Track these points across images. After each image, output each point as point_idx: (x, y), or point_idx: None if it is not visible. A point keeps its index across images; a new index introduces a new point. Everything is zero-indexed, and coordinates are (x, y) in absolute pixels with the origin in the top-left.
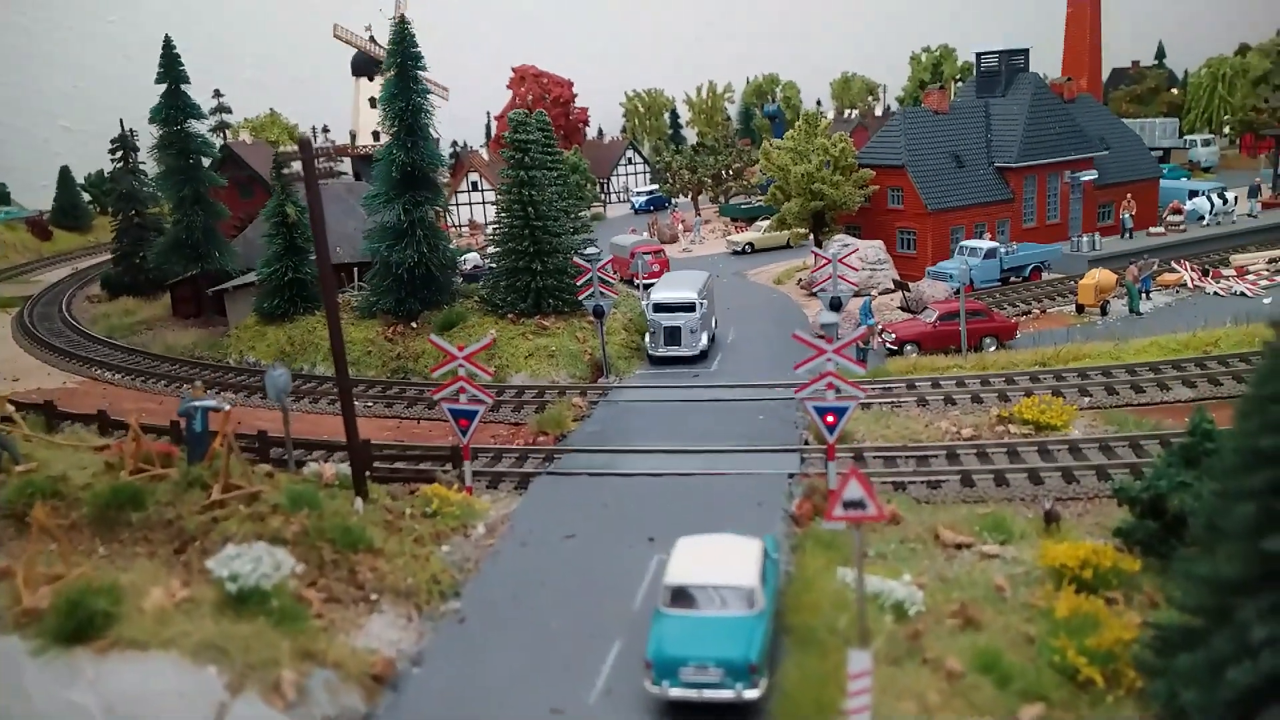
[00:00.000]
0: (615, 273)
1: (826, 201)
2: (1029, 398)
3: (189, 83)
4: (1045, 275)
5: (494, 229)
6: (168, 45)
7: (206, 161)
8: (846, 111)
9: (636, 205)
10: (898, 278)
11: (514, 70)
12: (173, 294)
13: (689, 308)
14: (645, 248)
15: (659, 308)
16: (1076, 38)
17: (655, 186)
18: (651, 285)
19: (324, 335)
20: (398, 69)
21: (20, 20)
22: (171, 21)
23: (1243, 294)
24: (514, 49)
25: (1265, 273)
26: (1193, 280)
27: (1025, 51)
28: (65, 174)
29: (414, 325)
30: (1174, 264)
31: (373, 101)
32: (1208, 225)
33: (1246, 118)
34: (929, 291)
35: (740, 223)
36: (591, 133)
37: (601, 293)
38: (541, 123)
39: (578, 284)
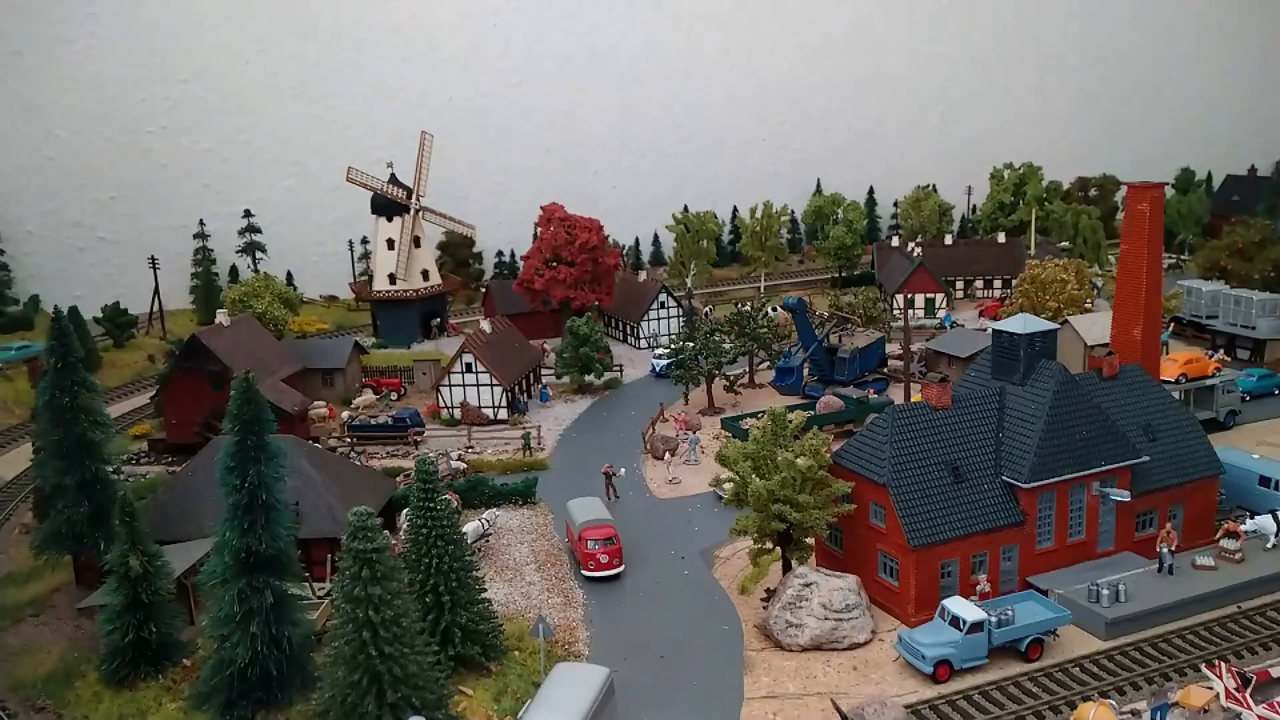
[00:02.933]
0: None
1: (790, 522)
2: None
3: (81, 355)
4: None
5: (326, 650)
6: (58, 319)
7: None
8: (911, 245)
9: (657, 369)
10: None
11: (541, 209)
12: (75, 561)
13: None
14: (595, 530)
15: None
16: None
17: (687, 343)
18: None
19: None
20: (238, 430)
21: (60, 134)
22: (202, 135)
23: None
24: (560, 166)
25: None
26: (1227, 697)
27: (1052, 333)
28: (74, 313)
29: None
30: (1205, 669)
31: (390, 243)
32: (1273, 547)
33: None
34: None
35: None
36: (630, 241)
37: None
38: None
39: None
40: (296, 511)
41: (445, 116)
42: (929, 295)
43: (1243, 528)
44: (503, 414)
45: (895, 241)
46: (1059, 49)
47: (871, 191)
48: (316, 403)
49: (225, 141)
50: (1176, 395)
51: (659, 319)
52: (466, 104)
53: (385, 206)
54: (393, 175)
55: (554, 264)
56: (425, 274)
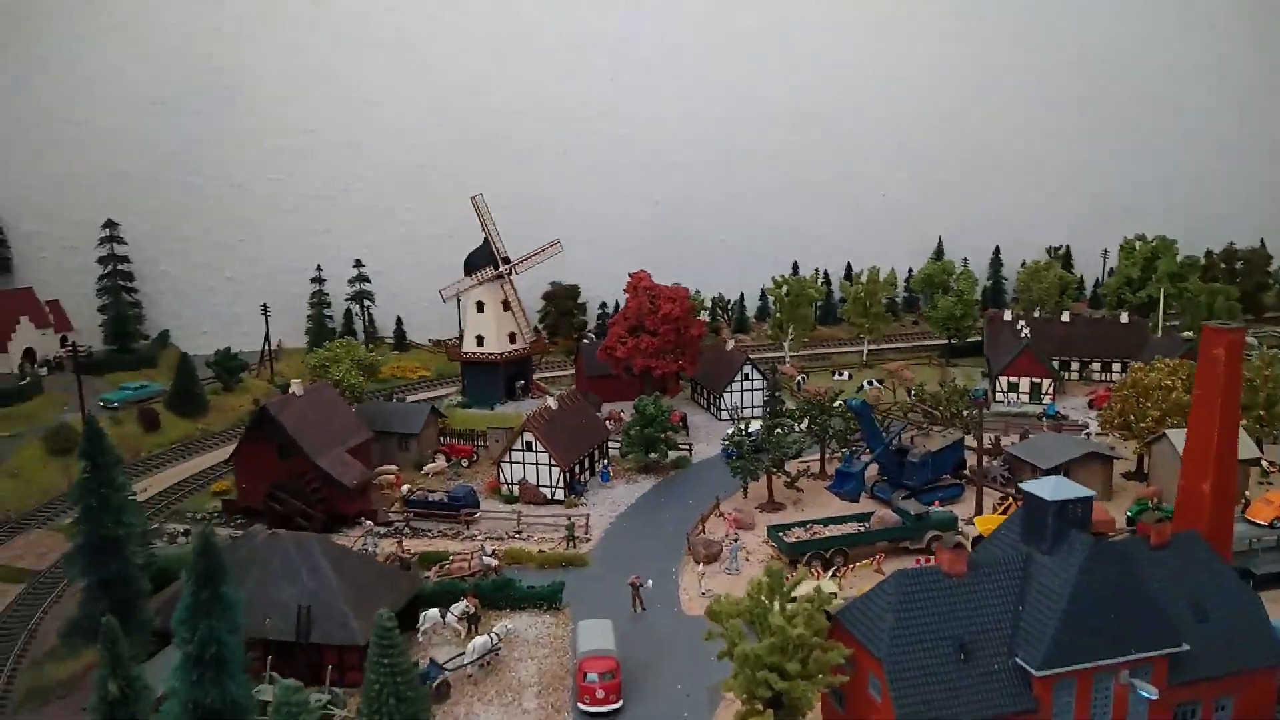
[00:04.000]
0: None
1: (778, 691)
2: None
3: (120, 463)
4: None
5: None
6: (91, 426)
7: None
8: (1021, 322)
9: (728, 453)
10: None
11: (629, 277)
12: None
13: None
14: (596, 662)
15: None
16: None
17: (746, 433)
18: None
19: None
20: (194, 582)
21: (194, 180)
22: (323, 183)
23: None
24: (670, 218)
25: None
26: None
27: (1086, 501)
28: (184, 360)
29: None
30: None
31: (480, 306)
32: None
33: None
34: None
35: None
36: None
37: None
38: None
39: None
40: (308, 615)
41: (557, 167)
42: (1035, 380)
43: None
44: (560, 494)
45: (1009, 314)
46: (1209, 103)
47: (997, 252)
48: (388, 467)
49: (345, 189)
50: (1273, 541)
51: (742, 390)
52: (580, 155)
53: (477, 264)
54: (484, 243)
55: (637, 332)
56: (512, 337)
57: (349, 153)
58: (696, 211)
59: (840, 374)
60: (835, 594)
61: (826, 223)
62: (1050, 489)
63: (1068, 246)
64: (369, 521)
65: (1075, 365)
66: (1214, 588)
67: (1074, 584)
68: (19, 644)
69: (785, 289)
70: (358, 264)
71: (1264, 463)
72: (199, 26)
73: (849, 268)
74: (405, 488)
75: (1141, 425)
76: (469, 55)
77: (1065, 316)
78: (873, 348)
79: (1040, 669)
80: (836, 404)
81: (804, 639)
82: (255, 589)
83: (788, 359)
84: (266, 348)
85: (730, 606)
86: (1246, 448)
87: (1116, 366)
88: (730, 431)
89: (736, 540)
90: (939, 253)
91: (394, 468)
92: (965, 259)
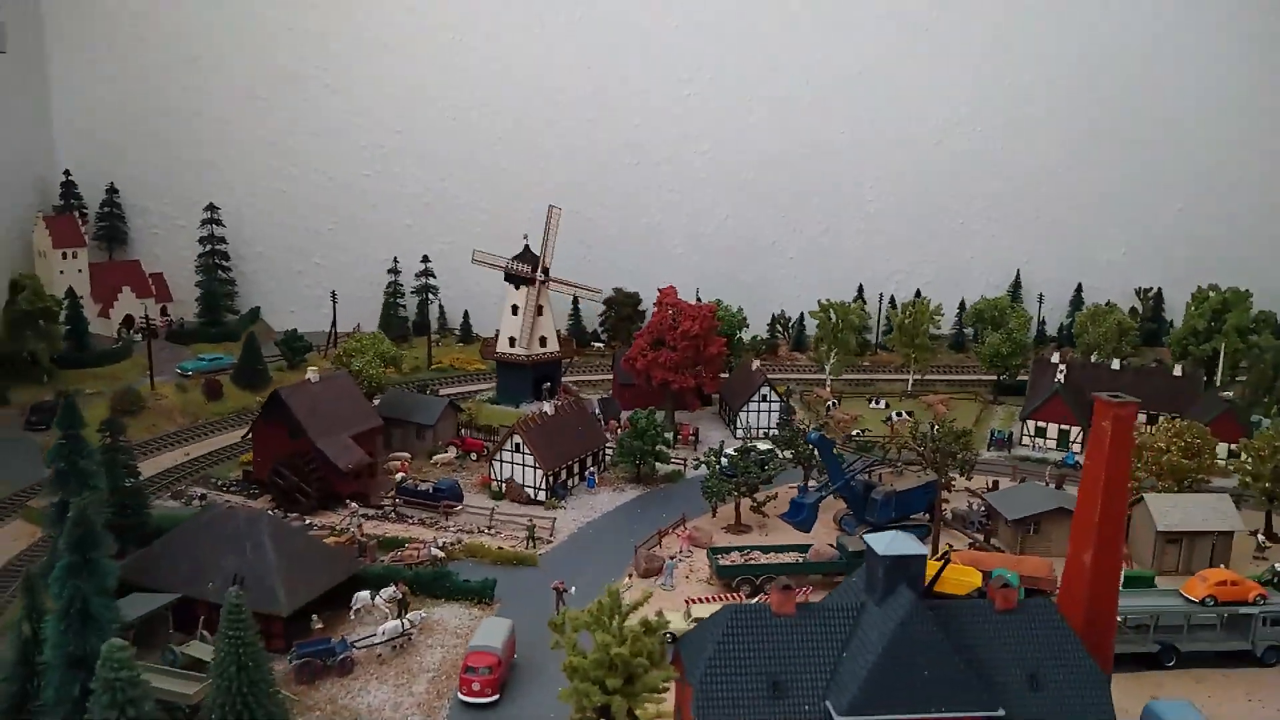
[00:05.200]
0: None
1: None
2: None
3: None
4: None
5: None
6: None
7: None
8: (1061, 365)
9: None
10: None
11: (659, 292)
12: None
13: None
14: (479, 657)
15: None
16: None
17: (717, 458)
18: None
19: None
20: (69, 549)
21: (292, 171)
22: (407, 181)
23: None
24: (738, 232)
25: None
26: None
27: (918, 559)
28: (251, 338)
29: None
30: None
31: (515, 309)
32: None
33: None
34: None
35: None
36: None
37: None
38: None
39: None
40: (242, 583)
41: (630, 175)
42: (1063, 426)
43: None
44: (543, 495)
45: (1056, 357)
46: None
47: (1079, 290)
48: (400, 454)
49: (428, 188)
50: (1212, 619)
51: (758, 411)
52: (652, 166)
53: (516, 275)
54: (526, 248)
55: (659, 346)
56: (543, 341)
57: (433, 155)
58: (764, 228)
59: (876, 402)
60: (668, 623)
61: (897, 250)
62: (885, 544)
63: (1159, 290)
64: (354, 504)
65: None
66: (1054, 659)
67: (890, 637)
68: None
69: (830, 313)
70: (424, 259)
71: (1259, 536)
72: (302, 30)
73: (917, 292)
74: (399, 475)
75: (1131, 485)
76: (554, 69)
77: (1115, 364)
78: (926, 378)
79: (843, 714)
80: (855, 434)
81: (622, 657)
82: (205, 555)
83: (828, 383)
84: (333, 331)
85: (574, 620)
86: (1228, 519)
87: (1162, 419)
88: (705, 452)
89: (673, 558)
90: (1015, 287)
91: (406, 455)
92: (1040, 295)
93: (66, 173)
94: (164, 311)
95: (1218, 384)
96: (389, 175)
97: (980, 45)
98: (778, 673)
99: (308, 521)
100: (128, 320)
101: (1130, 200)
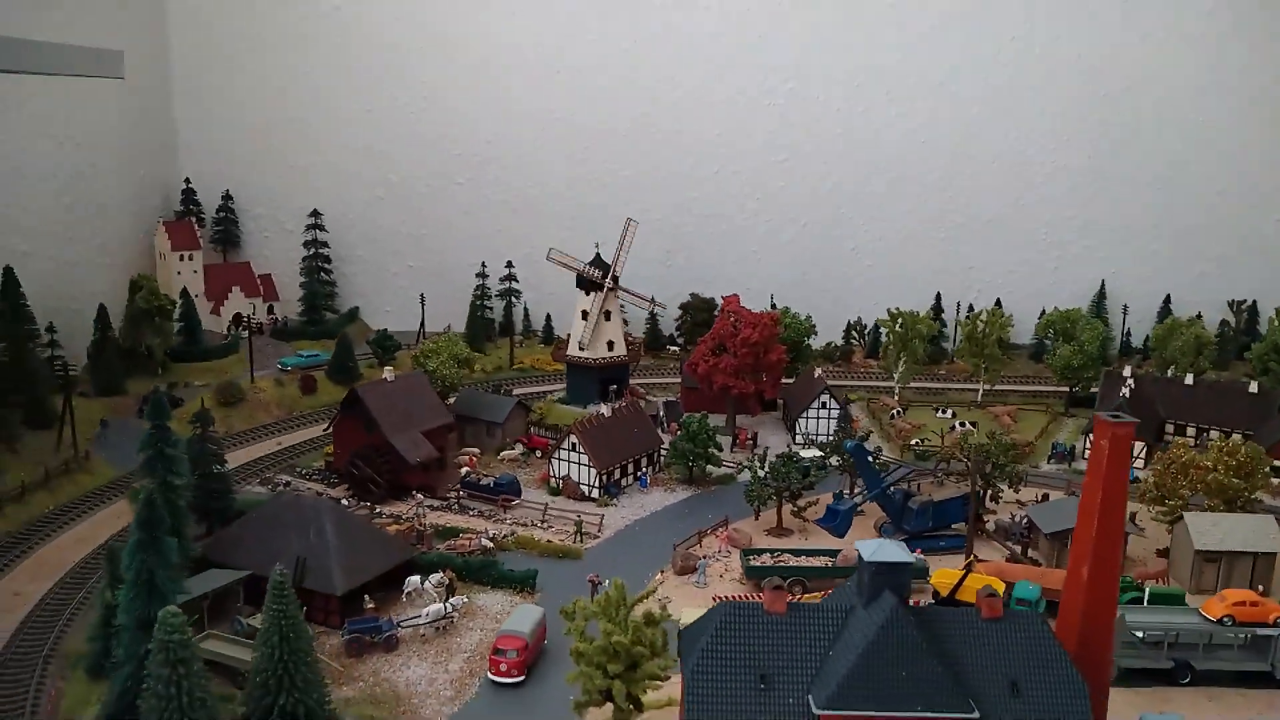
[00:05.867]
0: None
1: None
2: None
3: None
4: None
5: None
6: (150, 497)
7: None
8: (1128, 379)
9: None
10: None
11: (723, 300)
12: None
13: None
14: (509, 640)
15: None
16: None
17: (757, 465)
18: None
19: None
20: (139, 530)
21: (391, 178)
22: (498, 188)
23: None
24: (817, 238)
25: None
26: None
27: (902, 567)
28: (343, 337)
29: None
30: None
31: (584, 314)
32: None
33: None
34: None
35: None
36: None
37: None
38: None
39: None
40: (304, 565)
41: (709, 186)
42: None
43: None
44: (596, 493)
45: (1127, 371)
46: None
47: (1167, 301)
48: (470, 449)
49: (517, 194)
50: (1230, 639)
51: (817, 418)
52: (732, 175)
53: (585, 282)
54: (597, 255)
55: (720, 352)
56: (610, 345)
57: (521, 165)
58: (844, 236)
59: (943, 411)
60: (668, 617)
61: (979, 258)
62: (871, 550)
63: (1254, 303)
64: (420, 495)
65: (1191, 431)
66: (1037, 669)
67: (871, 638)
68: None
69: (899, 322)
70: (509, 264)
71: None
72: (405, 49)
73: (998, 302)
74: (464, 469)
75: (1171, 503)
76: (639, 85)
77: (1189, 379)
78: (998, 388)
79: (822, 708)
80: (914, 443)
81: (623, 645)
82: (274, 537)
83: (896, 391)
84: (421, 331)
85: (583, 609)
86: (1269, 539)
87: (1237, 437)
88: (748, 457)
89: (705, 557)
90: (1100, 297)
91: (475, 450)
92: (1125, 306)
93: (187, 181)
94: (270, 310)
95: None
96: (479, 183)
97: (1081, 62)
98: (766, 667)
99: (376, 510)
100: (237, 318)
101: (1226, 210)
